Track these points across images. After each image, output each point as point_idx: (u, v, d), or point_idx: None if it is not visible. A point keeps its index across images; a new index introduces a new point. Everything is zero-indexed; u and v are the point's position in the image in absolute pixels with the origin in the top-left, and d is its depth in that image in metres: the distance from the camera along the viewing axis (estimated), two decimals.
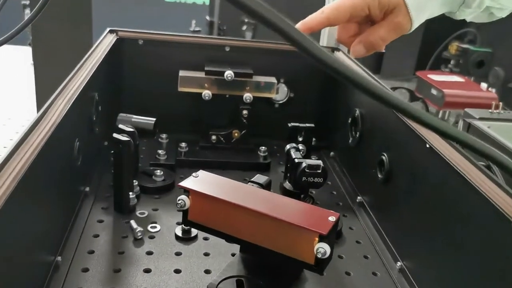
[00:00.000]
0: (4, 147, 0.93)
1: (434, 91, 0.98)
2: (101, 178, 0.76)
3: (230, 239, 0.54)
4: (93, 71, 0.69)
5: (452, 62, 1.50)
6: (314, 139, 0.83)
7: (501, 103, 0.87)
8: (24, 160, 0.42)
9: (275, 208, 0.51)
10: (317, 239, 0.48)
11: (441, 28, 1.60)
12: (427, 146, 0.56)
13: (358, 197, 0.76)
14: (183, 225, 0.65)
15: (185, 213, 0.55)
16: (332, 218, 0.50)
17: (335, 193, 0.80)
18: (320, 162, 0.66)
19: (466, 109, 0.85)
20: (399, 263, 0.61)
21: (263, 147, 0.86)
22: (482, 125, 0.78)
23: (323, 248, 0.48)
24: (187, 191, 0.54)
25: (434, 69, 1.46)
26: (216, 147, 0.87)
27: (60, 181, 0.56)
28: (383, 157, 0.67)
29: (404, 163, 0.63)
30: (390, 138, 0.67)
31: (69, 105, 0.56)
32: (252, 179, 0.59)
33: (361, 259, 0.64)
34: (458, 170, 0.50)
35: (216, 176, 0.57)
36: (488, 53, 1.32)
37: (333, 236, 0.50)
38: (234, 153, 0.87)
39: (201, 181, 0.55)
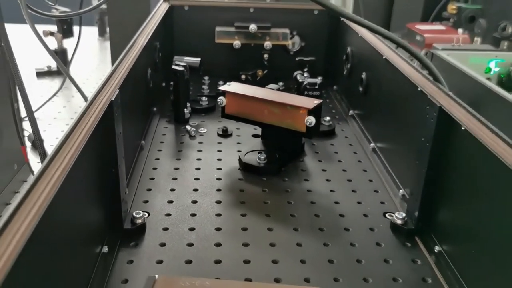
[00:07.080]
0: (91, 88, 1.24)
1: (418, 37, 1.23)
2: (163, 105, 1.06)
3: (254, 123, 0.82)
4: (155, 27, 0.98)
5: (451, 20, 1.72)
6: (320, 77, 1.10)
7: (462, 37, 1.10)
8: (125, 68, 0.72)
9: (283, 98, 0.79)
10: (306, 114, 0.76)
11: None
12: (383, 58, 0.82)
13: (350, 111, 1.03)
14: (222, 128, 0.94)
15: (223, 109, 0.84)
16: (317, 101, 0.77)
17: (334, 111, 1.07)
18: (317, 80, 0.93)
19: (434, 44, 1.09)
20: (372, 144, 0.88)
21: (281, 82, 1.14)
22: (443, 53, 1.02)
23: (310, 119, 0.75)
24: (223, 93, 0.83)
25: None
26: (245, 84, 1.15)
27: (140, 98, 0.86)
28: (362, 76, 0.93)
29: (374, 77, 0.89)
30: (367, 62, 0.93)
31: (145, 43, 0.85)
32: (267, 86, 0.87)
33: (347, 147, 0.91)
34: (400, 70, 0.76)
35: (243, 84, 0.85)
36: (478, 9, 1.54)
37: (319, 114, 0.77)
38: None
39: (233, 86, 0.84)
